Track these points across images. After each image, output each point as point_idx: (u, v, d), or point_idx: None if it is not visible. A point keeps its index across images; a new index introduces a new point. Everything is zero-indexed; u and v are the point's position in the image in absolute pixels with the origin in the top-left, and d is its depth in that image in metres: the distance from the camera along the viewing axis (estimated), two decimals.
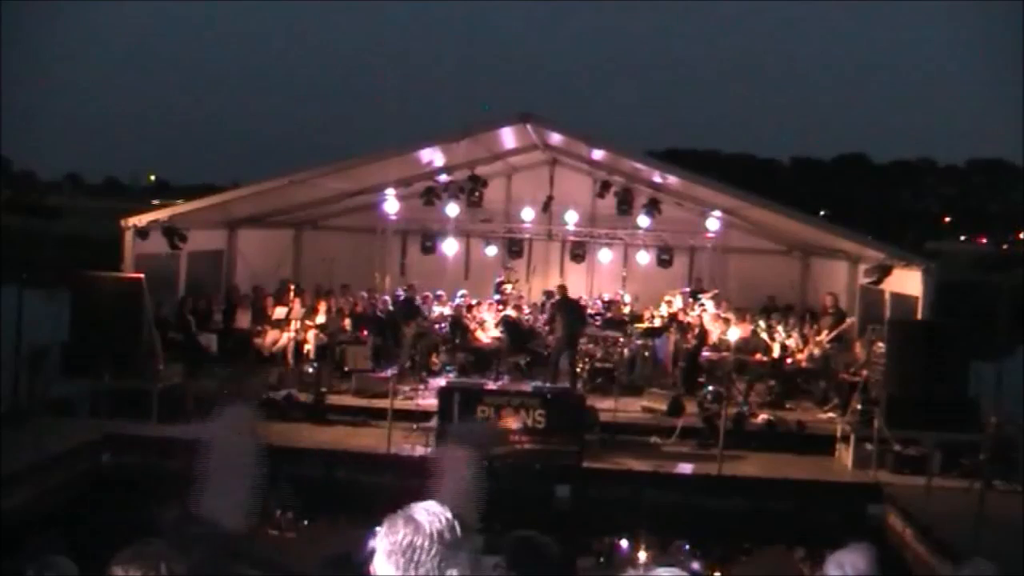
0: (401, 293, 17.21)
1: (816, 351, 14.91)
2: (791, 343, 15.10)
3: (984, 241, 78.75)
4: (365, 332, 15.91)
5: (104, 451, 11.69)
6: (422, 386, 14.38)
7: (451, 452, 3.37)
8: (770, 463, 12.19)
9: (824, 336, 14.96)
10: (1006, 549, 8.51)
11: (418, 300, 17.18)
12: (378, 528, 2.12)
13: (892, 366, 12.22)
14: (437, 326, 16.47)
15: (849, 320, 15.31)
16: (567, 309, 15.23)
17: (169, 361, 13.06)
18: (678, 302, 17.01)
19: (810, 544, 10.37)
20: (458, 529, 2.07)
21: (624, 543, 10.88)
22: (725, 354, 14.61)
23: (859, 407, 12.26)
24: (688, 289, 17.70)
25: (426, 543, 2.02)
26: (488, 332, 16.59)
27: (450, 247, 18.73)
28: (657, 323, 16.43)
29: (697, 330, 15.77)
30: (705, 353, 15.28)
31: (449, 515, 2.08)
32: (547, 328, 16.01)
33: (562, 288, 15.87)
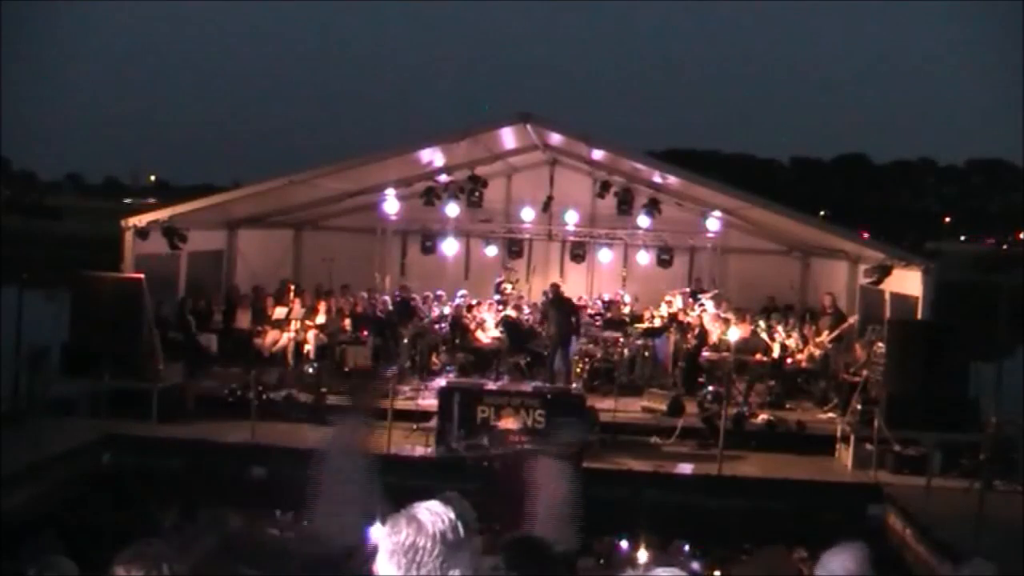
0: (398, 295, 17.21)
1: (816, 351, 14.92)
2: (791, 343, 15.10)
3: (992, 241, 78.64)
4: (365, 332, 15.91)
5: (104, 451, 11.69)
6: (423, 386, 14.38)
7: (546, 463, 3.37)
8: (770, 463, 12.19)
9: (824, 336, 14.95)
10: (1006, 549, 8.51)
11: (417, 300, 17.20)
12: (376, 524, 2.12)
13: (892, 366, 12.23)
14: (437, 326, 16.47)
15: (851, 319, 15.30)
16: (558, 307, 15.28)
17: (169, 361, 13.06)
18: (678, 302, 17.00)
19: (810, 544, 10.36)
20: (461, 529, 2.07)
21: (624, 543, 10.88)
22: (725, 354, 14.61)
23: (859, 407, 12.26)
24: (688, 289, 17.69)
25: (428, 543, 2.02)
26: (488, 332, 16.59)
27: (450, 247, 18.73)
28: (657, 323, 16.42)
29: (697, 330, 15.78)
30: (705, 353, 15.28)
31: (452, 515, 2.07)
32: (540, 326, 16.04)
33: (554, 287, 15.91)
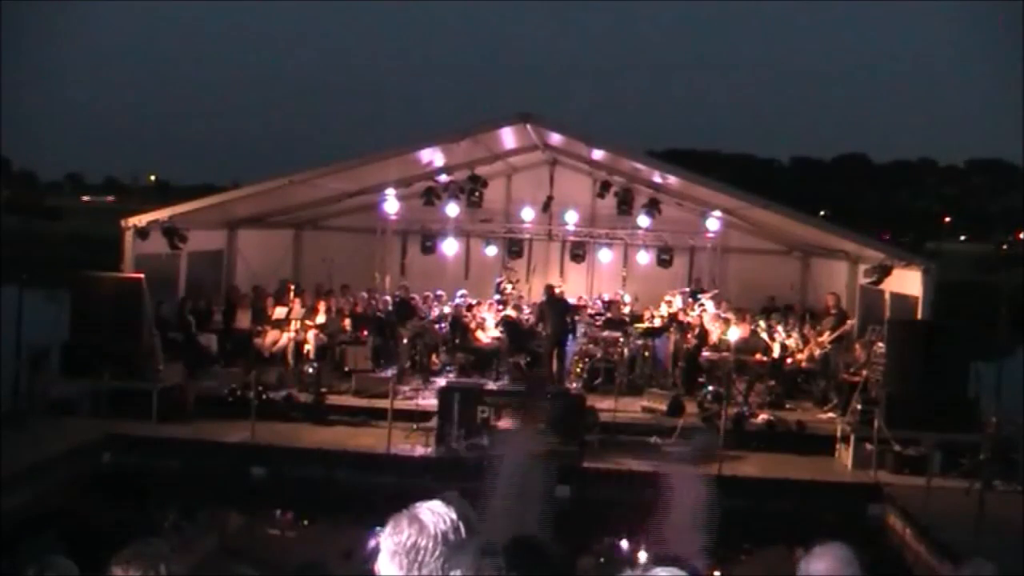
0: (398, 295, 17.21)
1: (817, 351, 14.91)
2: (791, 343, 15.09)
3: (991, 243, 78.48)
4: (365, 332, 15.90)
5: (104, 451, 11.69)
6: (425, 387, 14.39)
7: (682, 469, 3.36)
8: (770, 463, 12.18)
9: (826, 336, 14.94)
10: (1006, 549, 8.51)
11: (417, 300, 17.19)
12: (378, 528, 2.12)
13: (892, 366, 12.23)
14: (437, 326, 16.47)
15: (849, 323, 15.28)
16: (553, 308, 15.31)
17: (169, 361, 13.06)
18: (678, 302, 16.99)
19: (810, 544, 10.33)
20: (463, 530, 2.06)
21: (624, 543, 10.87)
22: (725, 354, 14.61)
23: (859, 407, 12.25)
24: (688, 289, 17.68)
25: (430, 544, 2.02)
26: (488, 332, 16.59)
27: (450, 247, 18.72)
28: (657, 323, 16.42)
29: (697, 330, 15.77)
30: (705, 353, 15.27)
31: (454, 515, 2.07)
32: (537, 327, 16.07)
33: (549, 288, 15.96)
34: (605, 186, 17.59)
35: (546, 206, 18.30)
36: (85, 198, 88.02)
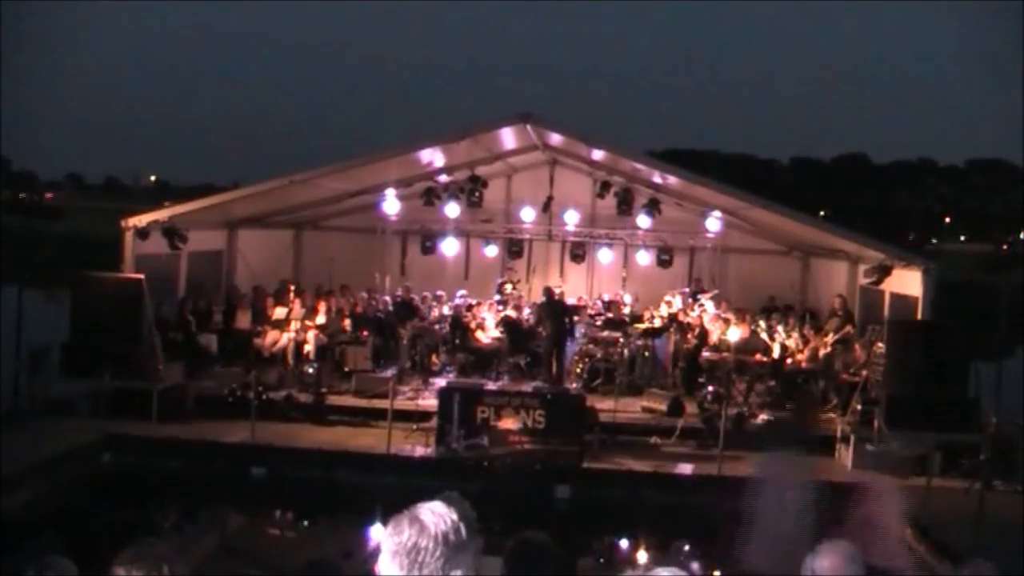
0: (399, 294, 17.21)
1: (821, 351, 14.90)
2: (791, 343, 15.09)
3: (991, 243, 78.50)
4: (365, 332, 15.91)
5: (104, 451, 11.70)
6: (425, 387, 14.39)
7: (875, 480, 3.34)
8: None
9: (831, 338, 14.93)
10: (1006, 549, 8.52)
11: (416, 300, 17.20)
12: (372, 527, 2.12)
13: (892, 366, 12.23)
14: (437, 326, 16.48)
15: (847, 328, 15.26)
16: (551, 310, 15.33)
17: (169, 361, 13.06)
18: (678, 302, 16.99)
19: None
20: (463, 530, 2.06)
21: (624, 543, 10.88)
22: (725, 354, 14.61)
23: (859, 407, 12.26)
24: (688, 289, 17.68)
25: (431, 544, 2.02)
26: (488, 332, 16.59)
27: (450, 247, 18.70)
28: (657, 323, 16.42)
29: (697, 330, 15.78)
30: (705, 353, 15.28)
31: (455, 516, 2.07)
32: (537, 328, 16.08)
33: (548, 290, 15.99)
34: (605, 186, 17.58)
35: (546, 206, 18.29)
36: (49, 195, 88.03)
